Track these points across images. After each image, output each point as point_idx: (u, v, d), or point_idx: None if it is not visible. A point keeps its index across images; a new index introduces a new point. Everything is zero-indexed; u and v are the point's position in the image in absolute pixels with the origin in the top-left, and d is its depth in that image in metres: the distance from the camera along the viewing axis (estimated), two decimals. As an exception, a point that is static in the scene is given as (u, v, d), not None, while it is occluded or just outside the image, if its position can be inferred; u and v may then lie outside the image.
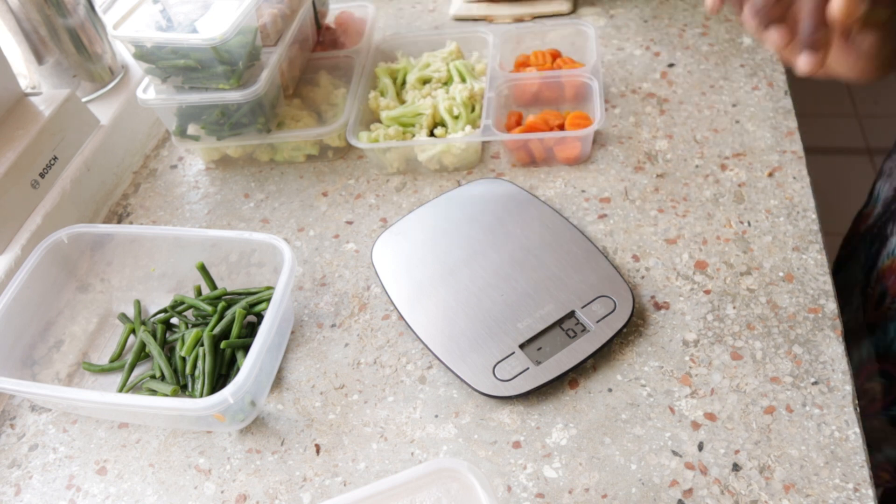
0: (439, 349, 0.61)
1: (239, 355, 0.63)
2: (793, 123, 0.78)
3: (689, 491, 0.53)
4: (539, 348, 0.60)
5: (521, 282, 0.64)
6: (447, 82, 0.84)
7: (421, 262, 0.68)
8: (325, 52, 0.92)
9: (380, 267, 0.68)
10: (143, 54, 0.75)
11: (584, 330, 0.61)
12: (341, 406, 0.61)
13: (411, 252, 0.69)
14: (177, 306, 0.68)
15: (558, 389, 0.60)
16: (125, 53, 0.92)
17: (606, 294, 0.62)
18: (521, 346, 0.60)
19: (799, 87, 0.86)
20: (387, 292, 0.66)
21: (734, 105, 0.82)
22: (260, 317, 0.67)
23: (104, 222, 0.82)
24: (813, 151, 0.78)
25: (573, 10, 0.99)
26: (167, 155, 0.90)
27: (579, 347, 0.59)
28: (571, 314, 0.61)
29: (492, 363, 0.59)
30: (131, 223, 0.81)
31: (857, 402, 0.56)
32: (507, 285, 0.64)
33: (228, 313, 0.65)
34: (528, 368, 0.59)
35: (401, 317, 0.64)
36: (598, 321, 0.61)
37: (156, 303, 0.71)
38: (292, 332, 0.67)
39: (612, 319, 0.61)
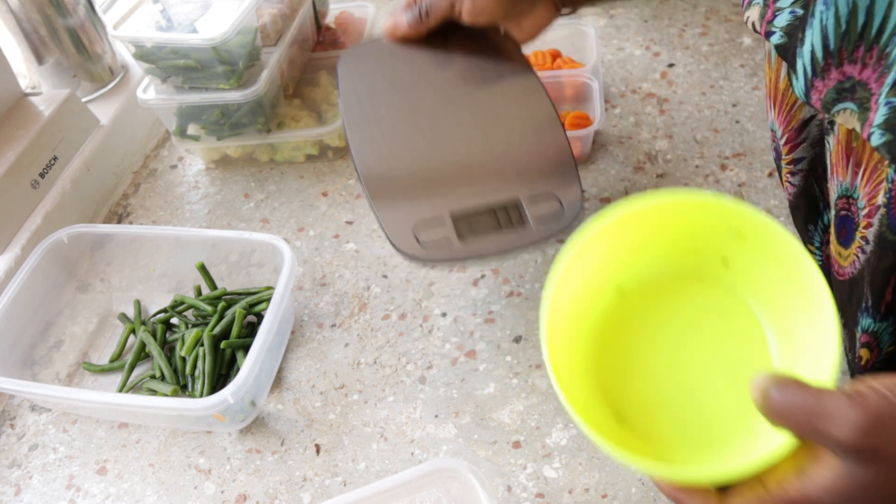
0: (372, 186, 0.56)
1: (239, 355, 0.63)
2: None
3: (689, 491, 0.52)
4: (469, 223, 0.55)
5: (481, 148, 0.58)
6: (447, 82, 0.84)
7: (386, 87, 0.61)
8: (325, 52, 0.92)
9: (343, 77, 0.62)
10: (143, 54, 0.75)
11: (522, 224, 0.56)
12: (341, 406, 0.61)
13: (379, 74, 0.62)
14: (177, 306, 0.68)
15: (558, 389, 0.60)
16: (125, 53, 0.92)
17: (558, 196, 0.57)
18: (453, 215, 0.55)
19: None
20: (341, 104, 0.60)
21: (734, 105, 0.82)
22: (260, 317, 0.67)
23: (104, 222, 0.82)
24: (813, 151, 0.78)
25: (573, 11, 0.99)
26: (167, 155, 0.90)
27: (509, 240, 0.55)
28: (515, 201, 0.56)
29: (415, 220, 0.55)
30: (131, 223, 0.81)
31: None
32: (464, 146, 0.58)
33: (228, 313, 0.65)
34: (449, 238, 0.54)
35: (346, 141, 0.59)
36: (538, 219, 0.56)
37: (156, 303, 0.71)
38: (292, 332, 0.67)
39: (553, 224, 0.56)
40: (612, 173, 0.77)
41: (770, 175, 0.74)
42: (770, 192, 0.72)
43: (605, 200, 0.74)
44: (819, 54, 0.40)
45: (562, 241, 0.54)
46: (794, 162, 0.53)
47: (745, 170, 0.74)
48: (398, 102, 0.60)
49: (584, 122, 0.77)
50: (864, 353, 0.48)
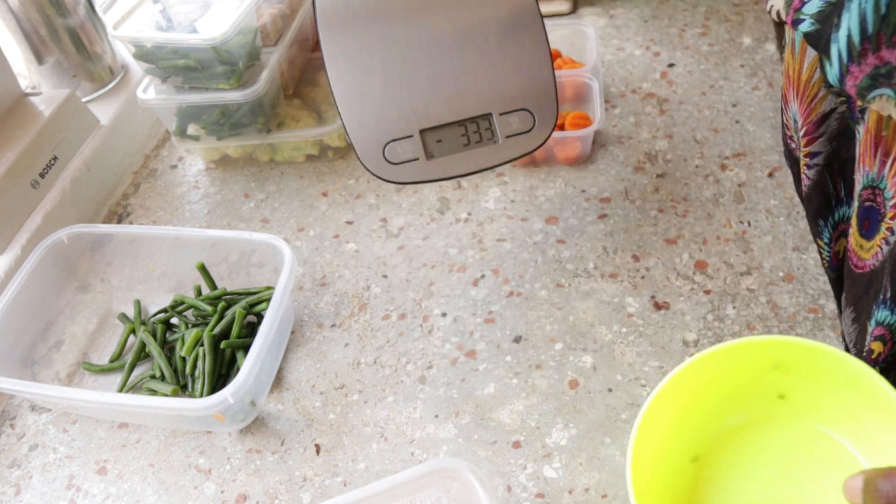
0: (343, 101, 0.56)
1: (239, 355, 0.63)
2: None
3: (689, 491, 0.52)
4: (439, 140, 0.55)
5: (455, 61, 0.57)
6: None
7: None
8: (325, 52, 0.92)
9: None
10: (143, 54, 0.75)
11: (492, 139, 0.56)
12: (341, 406, 0.61)
13: None
14: (177, 306, 0.68)
15: (558, 389, 0.60)
16: (125, 53, 0.92)
17: (530, 110, 0.56)
18: (422, 132, 0.55)
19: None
20: (314, 10, 0.57)
21: (734, 105, 0.82)
22: (260, 317, 0.67)
23: (104, 222, 0.82)
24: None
25: (573, 10, 0.99)
26: (167, 155, 0.90)
27: (478, 156, 0.55)
28: (487, 116, 0.56)
29: (386, 139, 0.55)
30: (131, 223, 0.81)
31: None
32: (438, 58, 0.57)
33: (228, 313, 0.65)
34: (417, 159, 0.55)
35: (318, 46, 0.58)
36: (508, 136, 0.55)
37: (156, 303, 0.71)
38: (292, 332, 0.67)
39: (524, 140, 0.56)
40: (612, 173, 0.77)
41: (770, 175, 0.74)
42: (770, 192, 0.72)
43: (605, 200, 0.74)
44: (856, 39, 0.40)
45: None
46: (810, 155, 0.53)
47: (745, 170, 0.74)
48: (378, 16, 0.57)
49: (584, 122, 0.77)
50: (876, 346, 0.48)
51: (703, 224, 0.70)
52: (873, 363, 0.49)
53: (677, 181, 0.75)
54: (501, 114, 0.56)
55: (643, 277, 0.67)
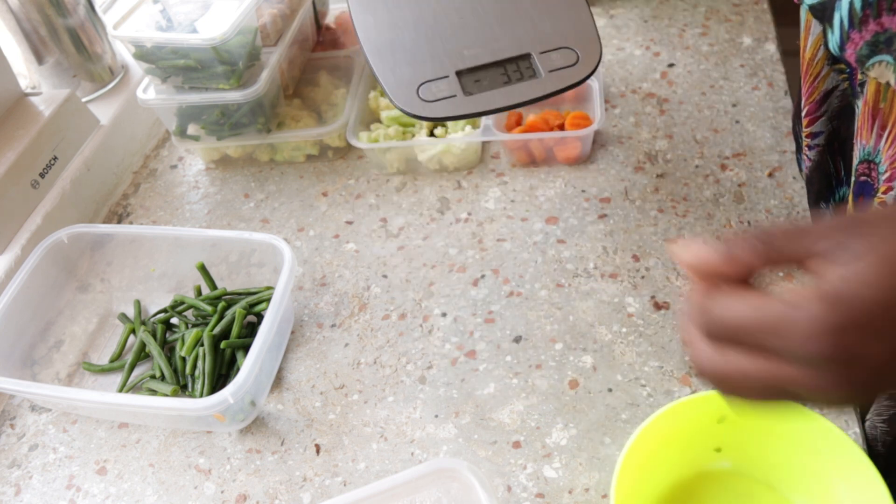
0: (371, 49, 0.54)
1: (239, 355, 0.63)
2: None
3: (689, 491, 0.52)
4: (477, 80, 0.53)
5: (488, 5, 0.56)
6: (447, 82, 0.84)
7: None
8: (325, 52, 0.92)
9: None
10: (143, 54, 0.75)
11: (533, 75, 0.54)
12: (341, 406, 0.61)
13: None
14: (177, 306, 0.68)
15: (558, 389, 0.60)
16: (125, 53, 0.92)
17: (572, 47, 0.55)
18: (458, 73, 0.53)
19: (799, 87, 0.86)
20: None
21: (734, 105, 0.82)
22: (260, 317, 0.67)
23: (104, 222, 0.82)
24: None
25: (573, 10, 0.99)
26: (167, 155, 0.90)
27: (519, 90, 0.53)
28: (527, 56, 0.54)
29: (419, 81, 0.53)
30: (131, 223, 0.81)
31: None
32: (470, 4, 0.56)
33: (228, 313, 0.65)
34: (454, 96, 0.53)
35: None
36: (551, 70, 0.54)
37: (156, 303, 0.71)
38: (292, 332, 0.67)
39: (568, 73, 0.54)
40: (612, 173, 0.77)
41: (770, 175, 0.74)
42: (770, 192, 0.72)
43: (605, 200, 0.74)
44: (858, 5, 0.40)
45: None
46: (812, 136, 0.53)
47: (745, 170, 0.74)
48: None
49: (584, 122, 0.77)
50: None
51: (703, 224, 0.70)
52: None
53: (677, 181, 0.75)
54: (542, 52, 0.54)
55: (643, 277, 0.67)
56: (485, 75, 0.54)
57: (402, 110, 0.53)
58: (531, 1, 0.56)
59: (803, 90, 0.53)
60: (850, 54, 0.42)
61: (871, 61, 0.41)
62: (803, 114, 0.53)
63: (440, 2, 0.56)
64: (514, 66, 0.54)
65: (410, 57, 0.54)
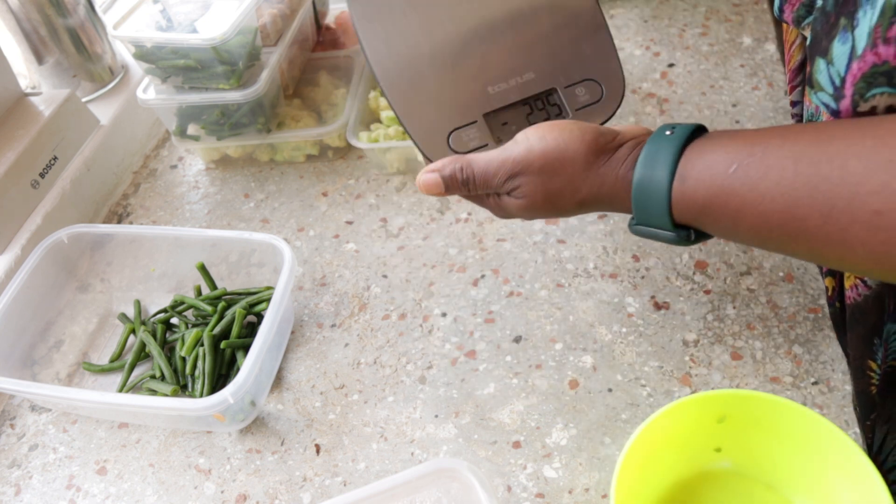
0: (396, 96, 0.52)
1: (239, 355, 0.63)
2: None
3: (689, 491, 0.52)
4: (504, 123, 0.52)
5: (509, 38, 0.53)
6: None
7: None
8: (325, 52, 0.92)
9: None
10: (143, 54, 0.75)
11: (560, 114, 0.52)
12: (341, 406, 0.61)
13: None
14: (177, 306, 0.68)
15: (558, 389, 0.60)
16: (125, 53, 0.92)
17: (596, 79, 0.53)
18: (486, 116, 0.52)
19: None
20: (354, 18, 0.54)
21: (734, 105, 0.82)
22: (260, 317, 0.67)
23: (104, 222, 0.82)
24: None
25: None
26: (167, 155, 0.90)
27: None
28: (552, 92, 0.53)
29: (449, 128, 0.52)
30: (131, 223, 0.81)
31: (856, 402, 0.56)
32: (491, 38, 0.53)
33: (228, 313, 0.65)
34: (486, 145, 0.51)
35: (359, 41, 0.54)
36: (578, 109, 0.52)
37: (156, 303, 0.71)
38: (292, 332, 0.67)
39: (594, 110, 0.52)
40: (612, 173, 0.77)
41: (770, 175, 0.73)
42: (770, 192, 0.72)
43: (605, 200, 0.74)
44: None
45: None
46: (792, 104, 0.53)
47: (745, 170, 0.74)
48: (415, 3, 0.54)
49: (584, 122, 0.77)
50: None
51: (703, 224, 0.70)
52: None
53: (677, 181, 0.75)
54: (566, 87, 0.53)
55: (643, 277, 0.67)
56: (511, 117, 0.52)
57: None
58: (550, 27, 0.54)
59: (785, 59, 0.54)
60: (789, 16, 0.45)
61: (805, 22, 0.44)
62: (787, 80, 0.54)
63: (457, 26, 0.54)
64: (541, 104, 0.53)
65: (434, 100, 0.52)
